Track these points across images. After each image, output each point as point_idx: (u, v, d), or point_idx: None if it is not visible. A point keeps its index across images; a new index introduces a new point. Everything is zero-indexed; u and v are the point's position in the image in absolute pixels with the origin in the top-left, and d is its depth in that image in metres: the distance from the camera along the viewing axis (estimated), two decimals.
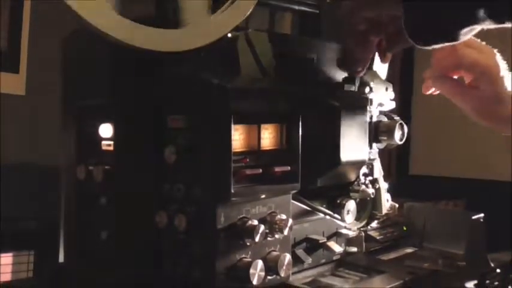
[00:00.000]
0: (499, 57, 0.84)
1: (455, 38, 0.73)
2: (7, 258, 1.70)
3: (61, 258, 0.79)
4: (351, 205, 0.86)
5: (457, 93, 0.87)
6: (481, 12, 0.69)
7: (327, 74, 0.88)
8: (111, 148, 0.72)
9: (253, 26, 0.76)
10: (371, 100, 0.89)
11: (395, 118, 0.92)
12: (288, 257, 0.70)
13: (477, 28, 0.72)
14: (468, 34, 0.73)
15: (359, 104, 0.83)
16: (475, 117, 0.87)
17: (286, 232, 0.69)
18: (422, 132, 2.65)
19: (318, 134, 0.78)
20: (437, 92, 0.90)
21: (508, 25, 0.70)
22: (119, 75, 0.72)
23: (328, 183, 0.81)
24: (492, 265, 0.90)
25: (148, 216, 0.68)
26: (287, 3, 0.89)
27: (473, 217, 0.94)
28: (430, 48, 0.76)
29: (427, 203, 1.64)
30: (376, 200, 0.92)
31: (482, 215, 0.94)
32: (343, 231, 0.86)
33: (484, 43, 0.85)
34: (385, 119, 0.92)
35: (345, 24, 0.83)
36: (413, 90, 2.71)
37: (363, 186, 0.88)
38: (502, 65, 0.84)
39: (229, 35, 0.72)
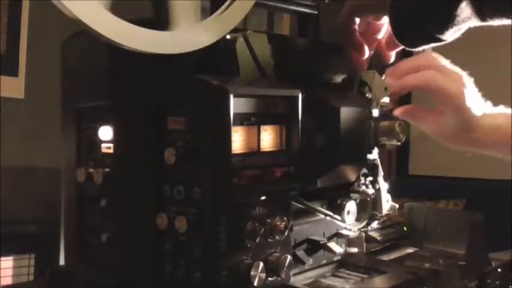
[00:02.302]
0: (468, 82, 0.80)
1: (441, 38, 0.73)
2: (8, 261, 1.70)
3: (61, 261, 0.79)
4: (351, 206, 0.86)
5: (418, 119, 0.85)
6: (465, 12, 0.69)
7: (326, 74, 0.88)
8: (111, 151, 0.72)
9: (251, 27, 0.76)
10: (370, 100, 0.89)
11: (395, 118, 0.92)
12: (288, 258, 0.70)
13: (463, 28, 0.72)
14: (456, 33, 0.73)
15: (358, 104, 0.83)
16: (441, 140, 0.84)
17: (286, 233, 0.69)
18: (421, 132, 2.64)
19: (317, 134, 0.78)
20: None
21: (491, 23, 0.70)
22: (118, 78, 0.72)
23: (328, 184, 0.81)
24: (493, 264, 0.90)
25: (148, 218, 0.68)
26: (286, 4, 0.89)
27: (474, 217, 0.94)
28: (420, 49, 0.76)
29: (427, 203, 1.64)
30: (377, 200, 0.92)
31: (482, 214, 0.94)
32: (344, 232, 0.86)
33: (454, 67, 0.82)
34: (384, 119, 0.92)
35: (342, 27, 0.83)
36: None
37: (363, 187, 0.88)
38: (471, 91, 0.80)
39: (228, 36, 0.72)
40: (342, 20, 0.83)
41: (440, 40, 0.73)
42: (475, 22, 0.70)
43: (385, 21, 0.83)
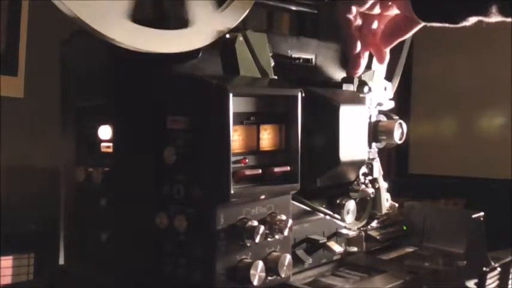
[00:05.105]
0: None
1: (458, 23, 0.75)
2: (7, 261, 1.70)
3: (61, 261, 0.79)
4: (350, 205, 0.86)
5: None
6: (493, 8, 0.70)
7: (325, 73, 0.88)
8: (111, 150, 0.72)
9: (251, 26, 0.76)
10: (370, 100, 0.89)
11: (394, 117, 0.92)
12: (288, 257, 0.70)
13: (481, 19, 0.74)
14: (471, 22, 0.75)
15: (358, 103, 0.83)
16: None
17: (286, 232, 0.69)
18: (421, 131, 2.65)
19: (317, 133, 0.78)
20: None
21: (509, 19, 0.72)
22: (117, 77, 0.72)
23: (327, 183, 0.81)
24: (492, 263, 0.90)
25: (148, 217, 0.68)
26: (285, 3, 0.89)
27: (473, 216, 0.94)
28: (427, 24, 0.78)
29: (427, 202, 1.64)
30: (376, 199, 0.92)
31: (482, 213, 0.94)
32: (343, 231, 0.86)
33: None
34: (384, 119, 0.92)
35: (340, 19, 0.84)
36: (411, 89, 2.71)
37: (363, 186, 0.88)
38: None
39: (228, 35, 0.72)
40: (340, 11, 0.84)
41: (456, 24, 0.75)
42: (497, 18, 0.73)
43: (379, 16, 0.84)
